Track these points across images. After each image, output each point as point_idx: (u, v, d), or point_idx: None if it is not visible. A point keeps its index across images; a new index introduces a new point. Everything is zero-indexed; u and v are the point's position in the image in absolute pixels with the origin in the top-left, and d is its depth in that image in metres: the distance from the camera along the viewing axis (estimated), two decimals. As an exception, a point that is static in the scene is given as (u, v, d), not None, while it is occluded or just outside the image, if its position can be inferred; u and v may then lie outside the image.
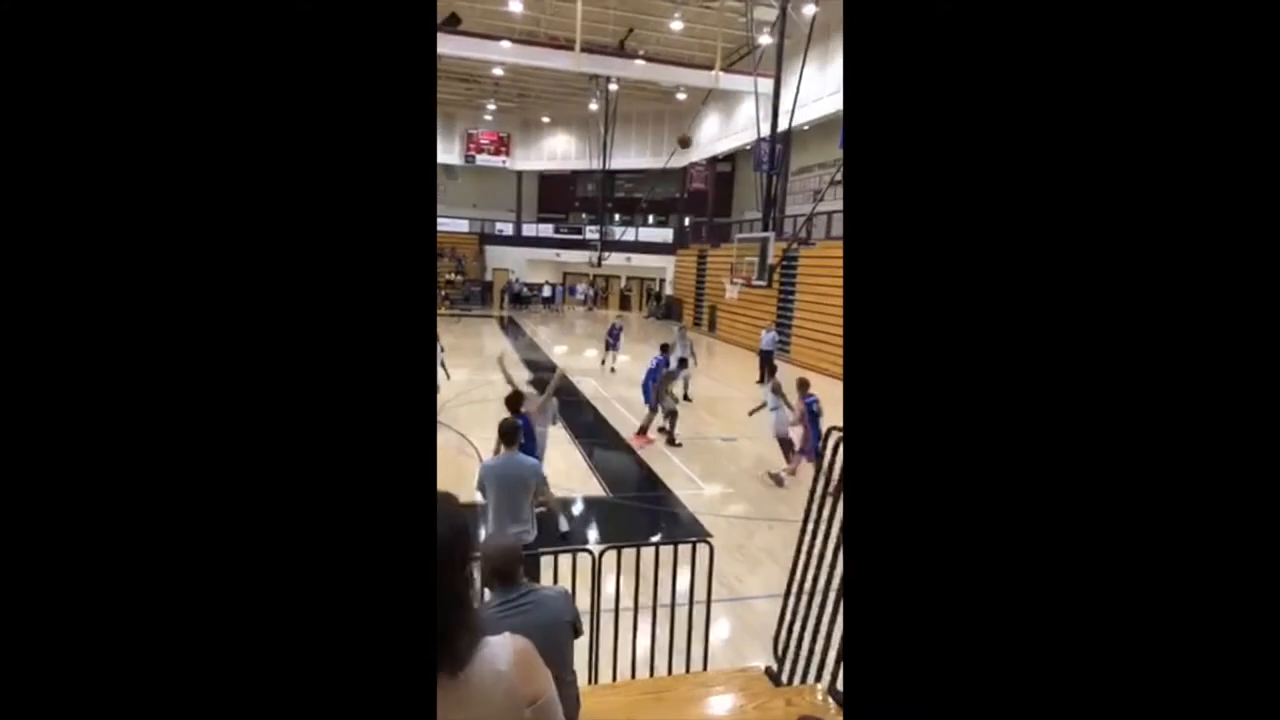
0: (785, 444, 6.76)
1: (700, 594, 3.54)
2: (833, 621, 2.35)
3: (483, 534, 3.57)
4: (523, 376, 9.32)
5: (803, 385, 6.60)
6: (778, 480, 6.66)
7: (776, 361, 11.76)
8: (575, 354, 15.34)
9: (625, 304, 26.87)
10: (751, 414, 7.69)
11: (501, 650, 0.94)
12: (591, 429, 8.67)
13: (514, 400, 4.50)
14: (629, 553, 3.26)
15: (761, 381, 10.98)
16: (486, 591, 1.82)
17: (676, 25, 17.01)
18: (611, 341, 12.61)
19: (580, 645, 2.47)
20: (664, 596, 3.78)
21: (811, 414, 6.32)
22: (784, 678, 2.58)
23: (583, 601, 2.57)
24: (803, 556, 2.57)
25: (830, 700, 2.23)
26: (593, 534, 5.48)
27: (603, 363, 12.71)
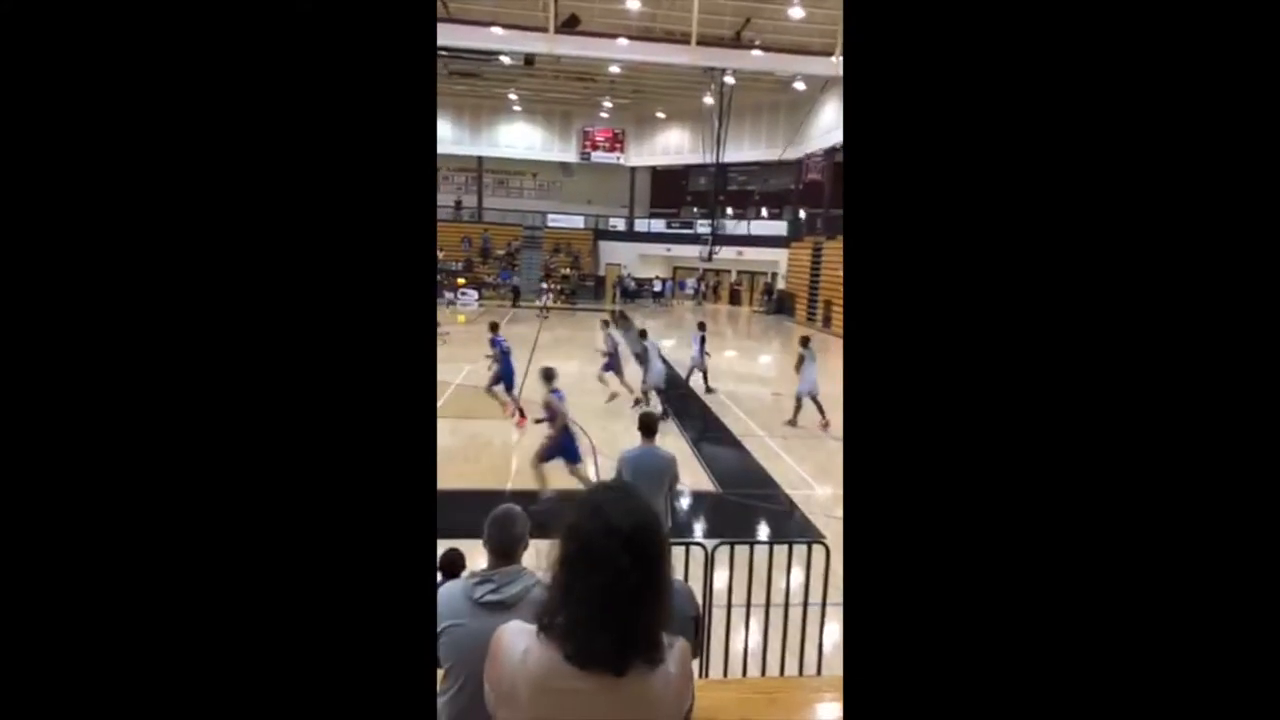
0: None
1: (815, 596, 3.44)
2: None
3: None
4: (636, 372, 9.43)
5: None
6: None
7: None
8: (681, 347, 15.35)
9: (735, 298, 26.57)
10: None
11: (675, 653, 0.91)
12: (700, 423, 8.65)
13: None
14: (740, 550, 3.22)
15: None
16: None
17: (796, 13, 16.53)
18: (610, 362, 9.09)
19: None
20: (776, 597, 3.71)
21: None
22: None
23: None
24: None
25: None
26: (700, 528, 5.48)
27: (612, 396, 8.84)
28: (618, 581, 0.84)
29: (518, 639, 0.90)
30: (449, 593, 1.38)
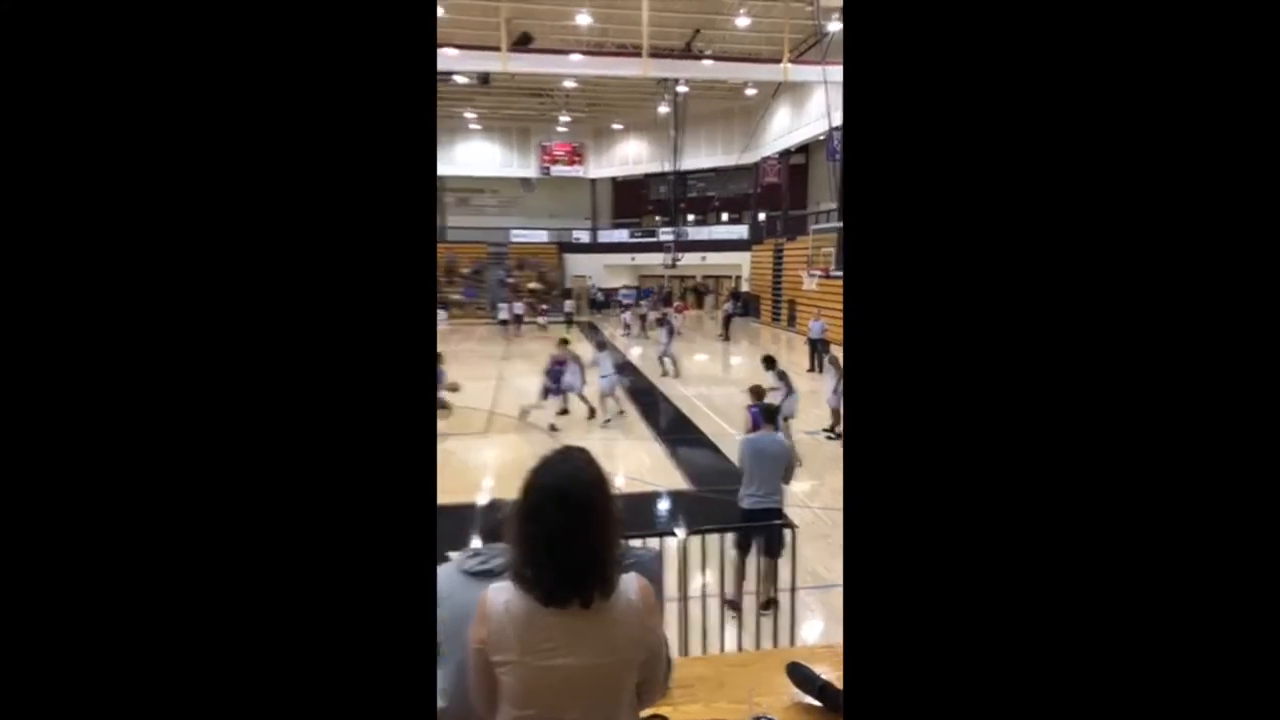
0: (836, 413, 8.01)
1: (785, 582, 3.63)
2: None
3: (740, 498, 4.00)
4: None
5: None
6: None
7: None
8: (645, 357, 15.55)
9: (700, 302, 26.89)
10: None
11: (631, 584, 1.09)
12: (675, 425, 8.84)
13: (769, 411, 4.82)
14: (713, 539, 3.40)
15: (812, 369, 11.84)
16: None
17: (743, 22, 16.94)
18: (552, 386, 8.47)
19: (670, 625, 2.64)
20: (749, 585, 3.90)
21: None
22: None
23: (670, 587, 2.73)
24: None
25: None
26: (678, 523, 5.64)
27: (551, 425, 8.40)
28: (548, 529, 1.02)
29: (499, 594, 1.07)
30: (444, 570, 1.54)
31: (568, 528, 1.03)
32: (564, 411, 8.78)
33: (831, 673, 2.07)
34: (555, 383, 8.48)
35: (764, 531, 3.69)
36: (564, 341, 8.82)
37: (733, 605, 3.84)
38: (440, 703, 1.49)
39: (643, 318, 18.65)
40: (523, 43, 16.67)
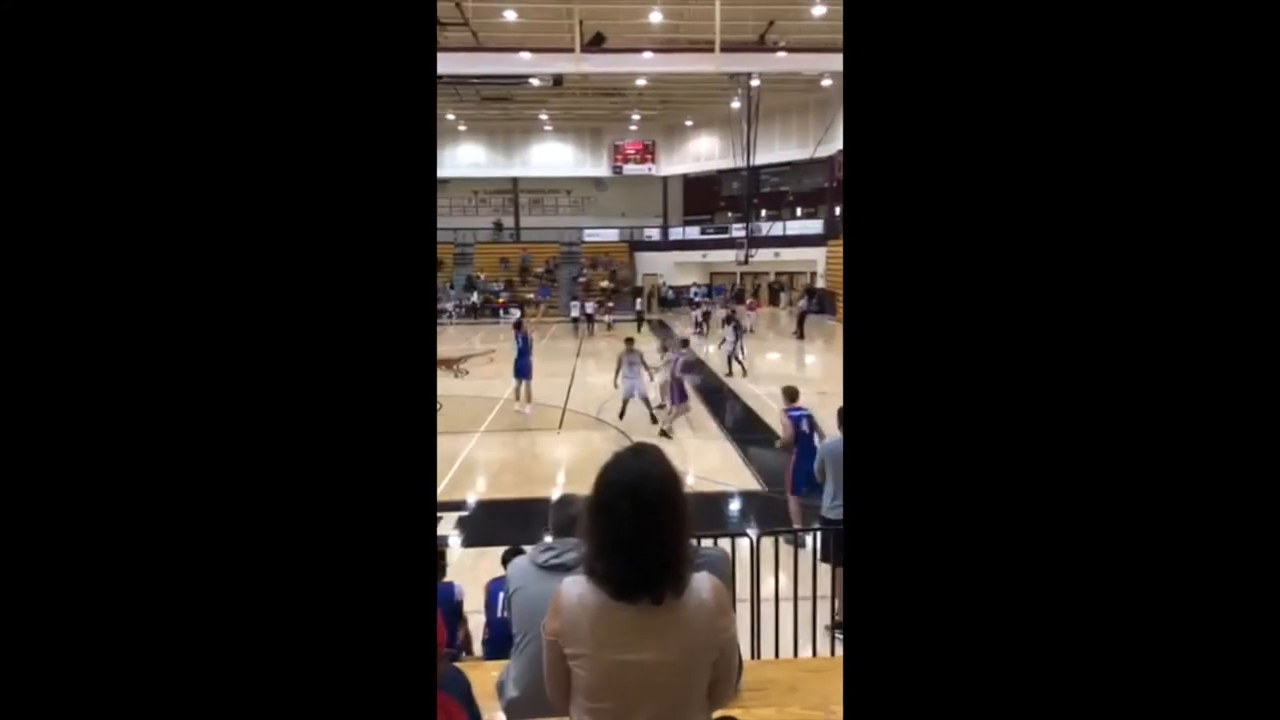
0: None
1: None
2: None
3: (824, 510, 3.92)
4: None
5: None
6: None
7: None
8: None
9: (775, 299, 26.46)
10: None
11: (704, 583, 1.09)
12: (744, 425, 8.72)
13: (791, 393, 4.78)
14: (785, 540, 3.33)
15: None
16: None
17: (818, 10, 16.52)
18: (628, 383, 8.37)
19: (742, 627, 2.59)
20: (823, 588, 3.79)
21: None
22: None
23: (743, 589, 2.69)
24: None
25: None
26: (750, 524, 5.56)
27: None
28: (620, 524, 1.03)
29: (573, 588, 1.08)
30: (518, 563, 1.60)
31: (639, 523, 1.03)
32: (622, 414, 8.53)
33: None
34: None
35: (841, 539, 3.53)
36: (629, 341, 8.71)
37: (841, 626, 3.59)
38: (513, 692, 1.52)
39: (707, 315, 18.42)
40: (596, 43, 16.85)
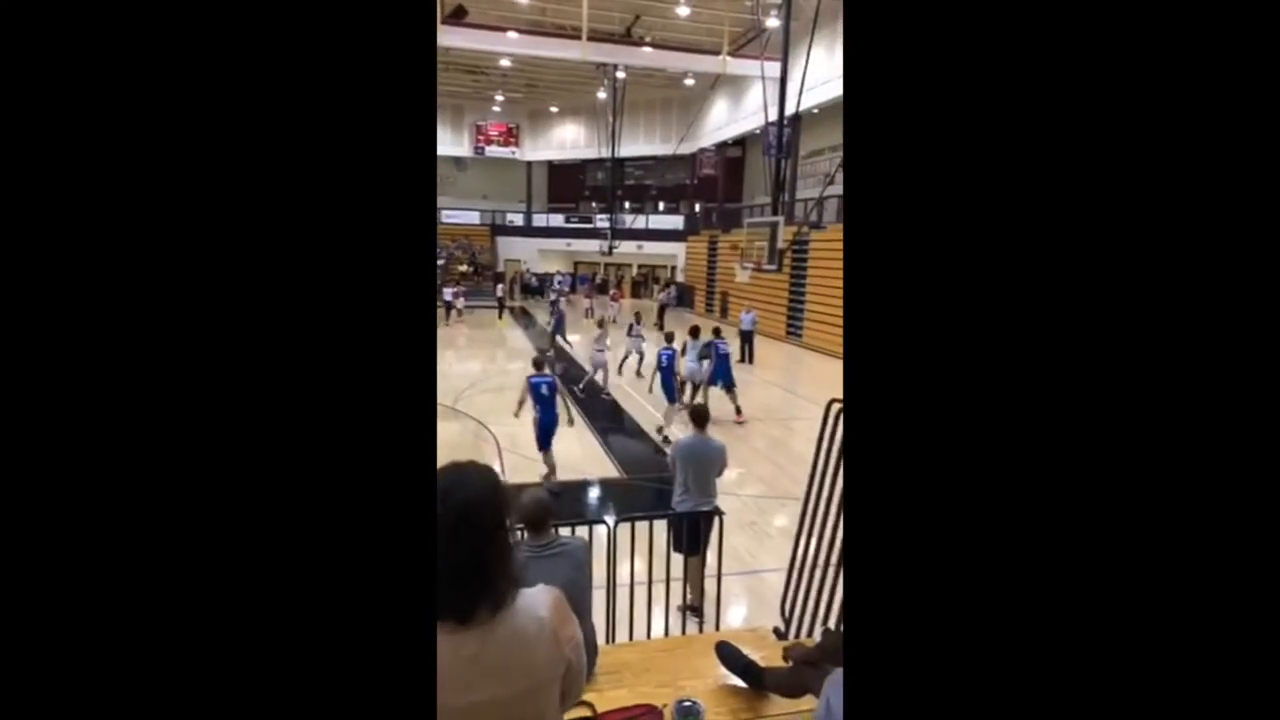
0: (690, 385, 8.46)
1: (711, 568, 3.70)
2: (834, 583, 2.50)
3: (674, 502, 3.88)
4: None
5: (715, 332, 8.69)
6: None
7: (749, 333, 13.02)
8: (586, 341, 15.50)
9: (637, 292, 26.97)
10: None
11: (541, 598, 1.03)
12: (607, 415, 8.84)
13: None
14: (641, 526, 3.42)
15: (742, 360, 12.13)
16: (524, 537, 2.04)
17: (683, 11, 16.96)
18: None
19: (598, 612, 2.64)
20: (676, 570, 3.95)
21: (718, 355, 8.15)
22: (789, 634, 2.74)
23: (599, 574, 2.74)
24: (805, 524, 2.72)
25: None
26: (608, 511, 5.67)
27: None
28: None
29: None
30: None
31: (445, 534, 0.93)
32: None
33: (755, 653, 2.13)
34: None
35: (691, 531, 3.67)
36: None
37: (695, 610, 3.77)
38: None
39: (555, 303, 17.96)
40: (458, 15, 16.15)
